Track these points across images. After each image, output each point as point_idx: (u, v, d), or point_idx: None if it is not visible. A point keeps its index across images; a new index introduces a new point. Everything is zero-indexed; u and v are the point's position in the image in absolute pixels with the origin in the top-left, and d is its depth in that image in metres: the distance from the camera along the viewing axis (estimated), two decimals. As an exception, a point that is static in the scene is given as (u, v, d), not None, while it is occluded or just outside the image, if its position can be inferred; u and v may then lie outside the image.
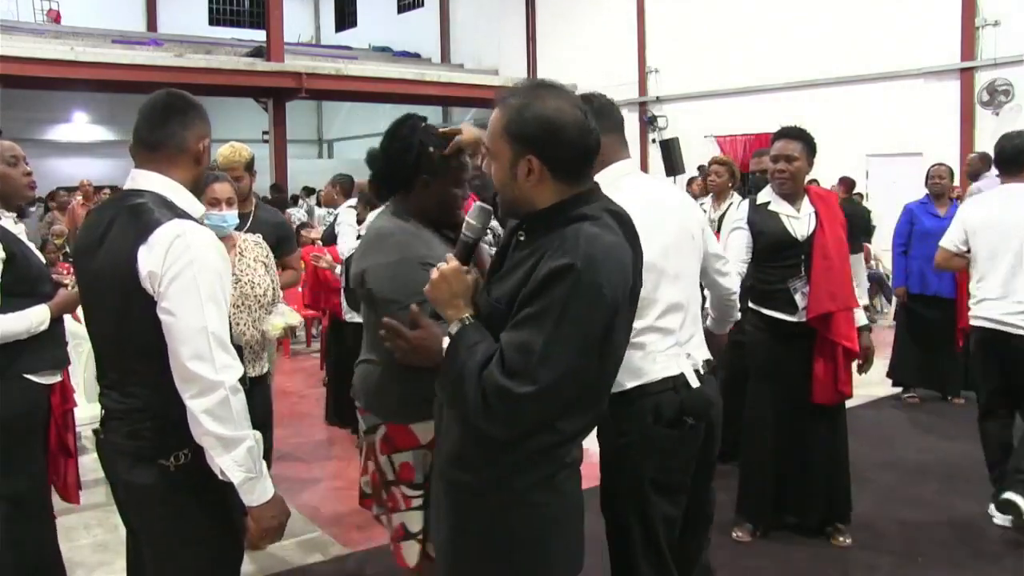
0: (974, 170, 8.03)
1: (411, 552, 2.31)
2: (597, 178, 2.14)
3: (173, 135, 1.91)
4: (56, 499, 3.01)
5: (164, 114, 1.92)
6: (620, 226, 1.65)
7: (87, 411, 4.10)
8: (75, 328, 3.38)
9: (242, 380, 1.82)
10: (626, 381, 2.18)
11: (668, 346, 2.25)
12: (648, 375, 2.20)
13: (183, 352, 1.73)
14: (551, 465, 1.67)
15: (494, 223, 2.20)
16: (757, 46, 12.26)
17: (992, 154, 4.10)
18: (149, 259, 1.75)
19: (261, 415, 3.13)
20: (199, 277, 1.76)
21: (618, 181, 2.22)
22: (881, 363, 6.15)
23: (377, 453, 2.34)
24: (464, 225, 1.76)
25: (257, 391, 3.13)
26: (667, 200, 2.36)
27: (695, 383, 2.26)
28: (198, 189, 2.00)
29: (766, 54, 12.14)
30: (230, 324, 2.45)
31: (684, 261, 2.33)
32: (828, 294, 3.38)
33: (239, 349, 2.51)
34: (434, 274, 1.69)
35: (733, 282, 2.70)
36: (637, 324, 2.15)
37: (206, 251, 1.80)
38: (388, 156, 2.19)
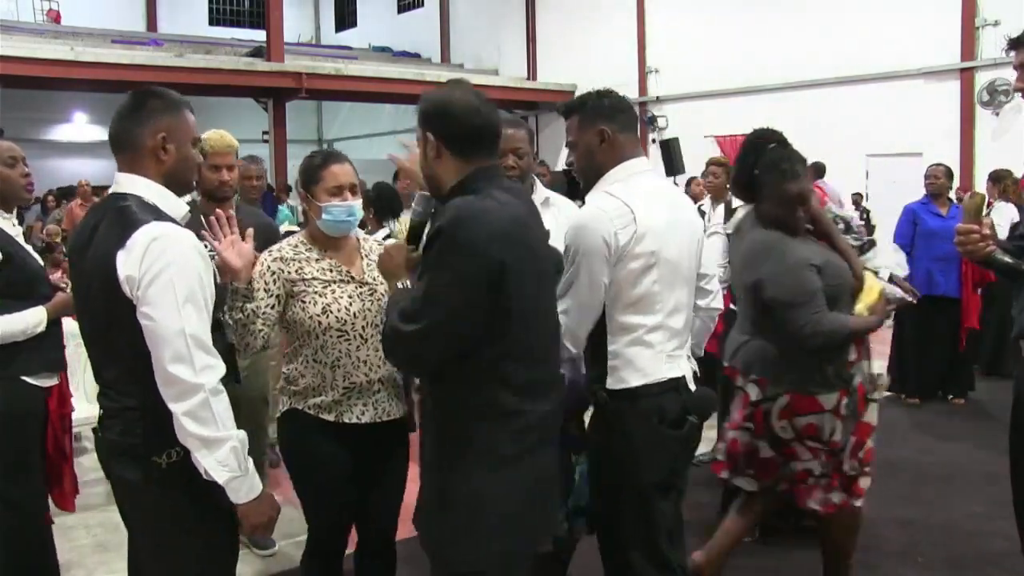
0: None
1: (815, 494, 2.75)
2: (612, 173, 2.24)
3: (127, 132, 1.89)
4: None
5: (123, 113, 1.91)
6: (511, 196, 1.87)
7: (88, 411, 4.11)
8: (76, 329, 3.38)
9: (226, 379, 1.84)
10: (632, 379, 2.18)
11: (674, 347, 2.25)
12: (655, 374, 2.19)
13: (164, 355, 1.75)
14: (507, 431, 1.82)
15: None
16: (757, 46, 12.25)
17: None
18: (127, 263, 1.76)
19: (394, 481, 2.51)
20: (176, 280, 1.76)
21: (632, 178, 2.23)
22: (878, 366, 6.17)
23: (774, 419, 2.74)
24: (411, 211, 2.05)
25: (394, 447, 2.47)
26: (680, 202, 2.38)
27: (692, 385, 2.29)
28: (178, 185, 1.96)
29: (766, 54, 12.14)
30: (371, 356, 2.35)
31: (692, 264, 2.33)
32: None
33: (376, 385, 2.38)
34: (382, 250, 2.05)
35: (718, 300, 2.64)
36: (648, 321, 2.18)
37: (184, 253, 1.80)
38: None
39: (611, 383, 2.20)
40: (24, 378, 2.64)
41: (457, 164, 1.86)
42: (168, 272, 1.76)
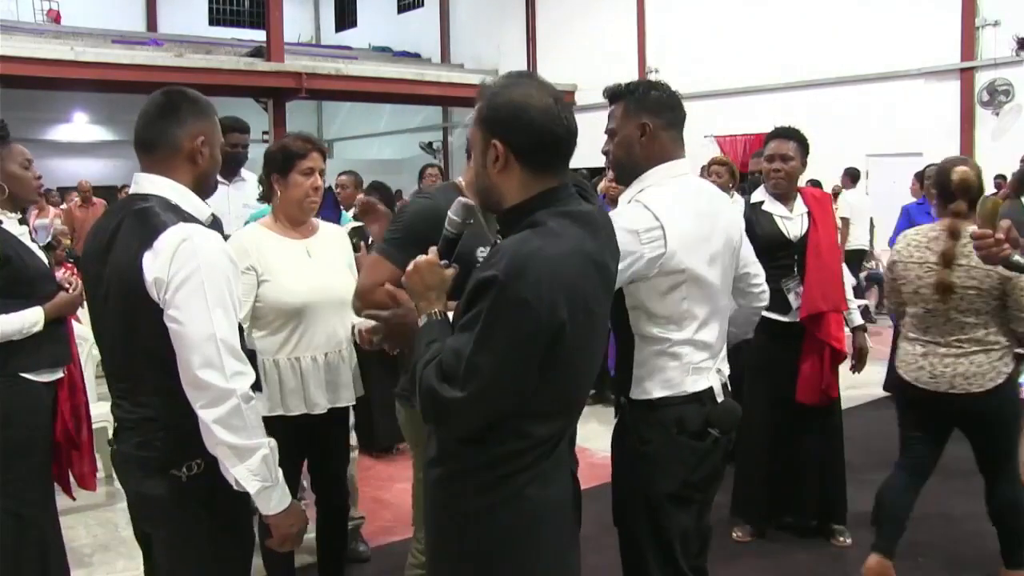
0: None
1: None
2: (649, 174, 2.16)
3: (164, 134, 1.85)
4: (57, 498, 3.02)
5: (157, 113, 1.87)
6: (580, 228, 1.59)
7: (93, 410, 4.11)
8: (80, 331, 3.39)
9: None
10: (655, 390, 2.12)
11: (703, 359, 2.16)
12: (679, 387, 2.12)
13: (193, 361, 1.69)
14: (519, 472, 1.60)
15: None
16: (757, 46, 12.25)
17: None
18: (154, 265, 1.70)
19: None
20: (206, 283, 1.70)
21: (669, 181, 2.16)
22: (879, 366, 6.15)
23: None
24: (446, 220, 1.72)
25: None
26: (717, 208, 2.23)
27: (720, 397, 2.19)
28: (204, 189, 1.92)
29: (766, 54, 12.14)
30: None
31: (726, 273, 2.23)
32: (821, 294, 3.40)
33: None
34: (411, 265, 1.69)
35: (764, 298, 2.58)
36: (676, 336, 2.10)
37: (213, 255, 1.75)
38: None
39: (634, 392, 2.14)
40: (24, 375, 2.65)
41: (525, 179, 1.60)
42: (199, 275, 1.70)
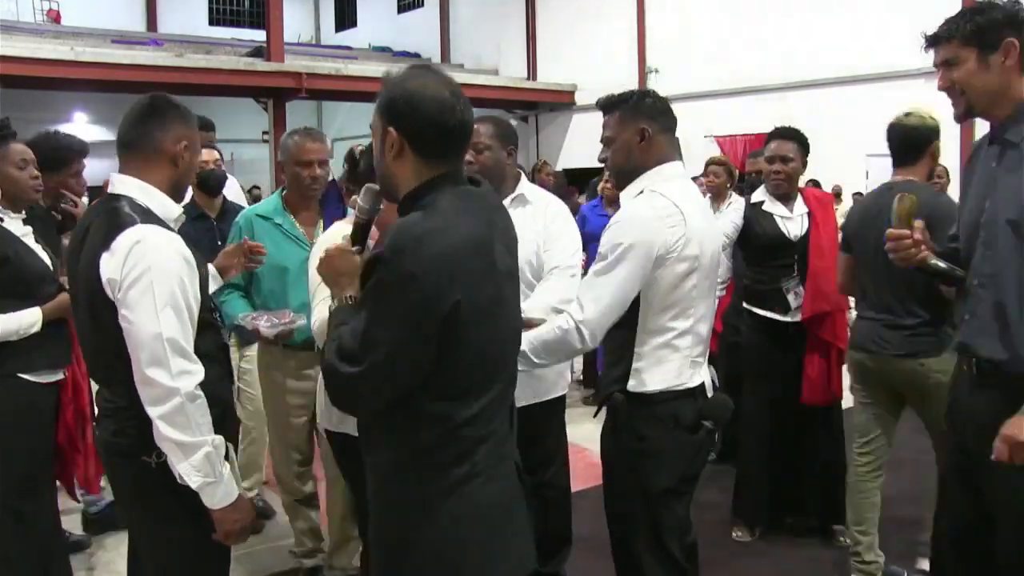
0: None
1: None
2: (650, 174, 2.19)
3: (147, 135, 1.92)
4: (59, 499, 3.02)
5: (142, 115, 1.94)
6: (470, 208, 1.62)
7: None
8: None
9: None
10: (653, 383, 2.15)
11: (699, 353, 2.23)
12: (676, 381, 2.17)
13: (141, 358, 1.77)
14: (455, 462, 1.59)
15: None
16: (757, 46, 12.25)
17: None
18: (109, 266, 1.78)
19: None
20: (156, 283, 1.77)
21: (669, 182, 2.20)
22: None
23: None
24: (356, 207, 1.80)
25: None
26: (708, 208, 2.40)
27: (711, 392, 2.26)
28: (180, 191, 2.00)
29: (766, 54, 12.14)
30: None
31: (717, 271, 2.33)
32: (824, 294, 3.41)
33: None
34: (323, 253, 1.76)
35: None
36: (680, 325, 2.15)
37: (165, 257, 1.81)
38: None
39: (632, 385, 2.17)
40: (22, 375, 2.66)
41: (419, 166, 1.62)
42: (148, 276, 1.77)
